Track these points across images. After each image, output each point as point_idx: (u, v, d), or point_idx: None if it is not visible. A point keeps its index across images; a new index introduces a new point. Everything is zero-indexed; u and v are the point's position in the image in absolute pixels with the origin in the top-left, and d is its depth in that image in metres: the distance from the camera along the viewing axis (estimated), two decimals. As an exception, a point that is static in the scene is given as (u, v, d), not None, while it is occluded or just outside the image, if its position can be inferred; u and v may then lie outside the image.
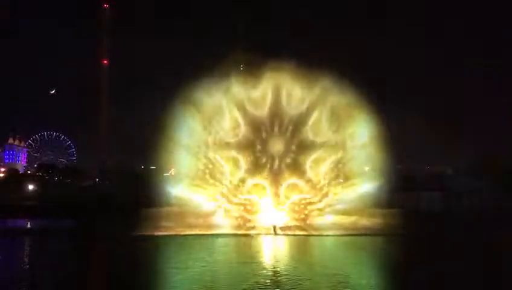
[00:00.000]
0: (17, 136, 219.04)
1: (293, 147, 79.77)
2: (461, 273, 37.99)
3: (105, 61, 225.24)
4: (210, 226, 73.39)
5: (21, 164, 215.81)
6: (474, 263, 43.70)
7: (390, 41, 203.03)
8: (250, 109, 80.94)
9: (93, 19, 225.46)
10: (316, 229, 72.51)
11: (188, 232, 70.21)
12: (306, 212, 77.15)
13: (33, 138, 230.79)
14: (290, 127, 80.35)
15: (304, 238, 67.72)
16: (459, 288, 33.65)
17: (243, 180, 78.82)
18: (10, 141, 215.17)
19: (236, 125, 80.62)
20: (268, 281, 33.69)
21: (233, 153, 79.73)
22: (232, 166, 79.23)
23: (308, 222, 75.56)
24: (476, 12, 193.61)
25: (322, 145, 79.34)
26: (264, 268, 40.11)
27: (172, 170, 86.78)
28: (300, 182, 78.64)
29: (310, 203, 77.54)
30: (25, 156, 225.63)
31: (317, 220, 75.51)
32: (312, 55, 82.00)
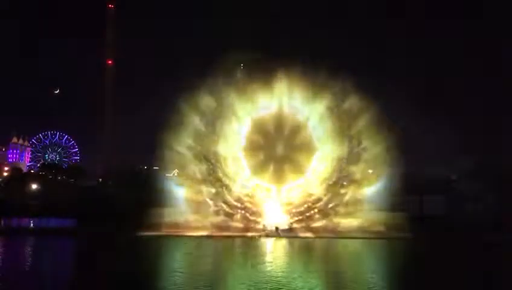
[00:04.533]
0: (21, 135, 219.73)
1: (297, 149, 79.85)
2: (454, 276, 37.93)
3: (110, 62, 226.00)
4: (213, 227, 73.53)
5: (24, 163, 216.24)
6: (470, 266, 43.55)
7: (392, 41, 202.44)
8: (253, 111, 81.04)
9: (97, 19, 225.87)
10: (318, 231, 72.50)
11: (190, 233, 70.35)
12: (309, 214, 77.24)
13: (37, 137, 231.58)
14: (294, 130, 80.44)
15: (305, 240, 67.56)
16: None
17: (246, 182, 78.94)
18: (14, 140, 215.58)
19: (239, 127, 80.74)
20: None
21: (237, 154, 79.86)
22: (235, 168, 79.35)
23: (311, 224, 75.57)
24: (475, 14, 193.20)
25: (326, 147, 79.39)
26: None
27: (175, 170, 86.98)
28: (304, 184, 78.71)
29: (314, 206, 77.61)
30: (29, 156, 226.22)
31: (320, 223, 75.54)
32: (318, 57, 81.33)
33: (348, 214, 75.69)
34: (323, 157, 79.17)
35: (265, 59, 78.84)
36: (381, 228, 71.04)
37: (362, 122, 77.92)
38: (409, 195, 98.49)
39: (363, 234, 69.39)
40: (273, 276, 35.59)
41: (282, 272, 38.49)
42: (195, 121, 79.72)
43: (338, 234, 70.16)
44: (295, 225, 75.64)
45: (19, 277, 35.05)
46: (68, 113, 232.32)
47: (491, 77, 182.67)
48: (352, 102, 78.51)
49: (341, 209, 76.29)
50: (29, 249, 54.03)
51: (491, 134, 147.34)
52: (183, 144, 78.80)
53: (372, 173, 78.71)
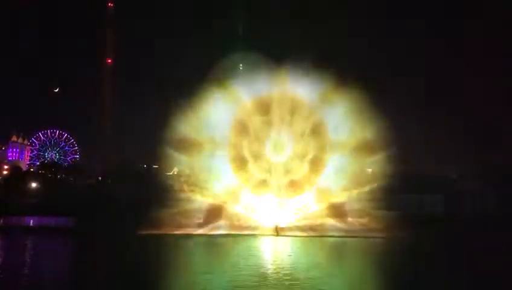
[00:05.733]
0: (21, 133, 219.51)
1: (295, 148, 79.79)
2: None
3: (110, 60, 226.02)
4: (212, 226, 73.53)
5: (24, 162, 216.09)
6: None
7: (392, 41, 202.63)
8: (252, 109, 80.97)
9: (97, 18, 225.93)
10: (317, 230, 72.47)
11: (190, 232, 70.32)
12: (307, 213, 77.21)
13: (36, 136, 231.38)
14: (292, 128, 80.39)
15: (306, 239, 67.56)
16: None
17: (245, 181, 78.89)
18: (13, 138, 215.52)
19: (239, 125, 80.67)
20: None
21: (236, 152, 79.76)
22: (235, 166, 79.30)
23: (309, 222, 75.51)
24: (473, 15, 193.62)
25: (324, 146, 79.34)
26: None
27: (175, 169, 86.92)
28: (302, 183, 78.68)
29: (312, 204, 77.60)
30: (28, 154, 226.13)
31: (318, 221, 75.48)
32: (312, 55, 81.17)
33: (347, 213, 75.60)
34: (322, 156, 79.05)
35: (265, 59, 78.89)
36: (380, 227, 70.90)
37: (362, 122, 77.78)
38: (409, 194, 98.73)
39: (362, 233, 69.32)
40: (276, 276, 35.60)
41: (287, 271, 38.41)
42: (195, 120, 79.64)
43: (337, 233, 70.12)
44: (295, 224, 75.56)
45: (14, 276, 34.99)
46: (68, 112, 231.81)
47: (491, 76, 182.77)
48: (353, 102, 78.36)
49: (340, 209, 76.23)
50: (27, 248, 54.02)
51: (491, 134, 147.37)
52: (183, 143, 78.72)
53: (371, 172, 78.64)
